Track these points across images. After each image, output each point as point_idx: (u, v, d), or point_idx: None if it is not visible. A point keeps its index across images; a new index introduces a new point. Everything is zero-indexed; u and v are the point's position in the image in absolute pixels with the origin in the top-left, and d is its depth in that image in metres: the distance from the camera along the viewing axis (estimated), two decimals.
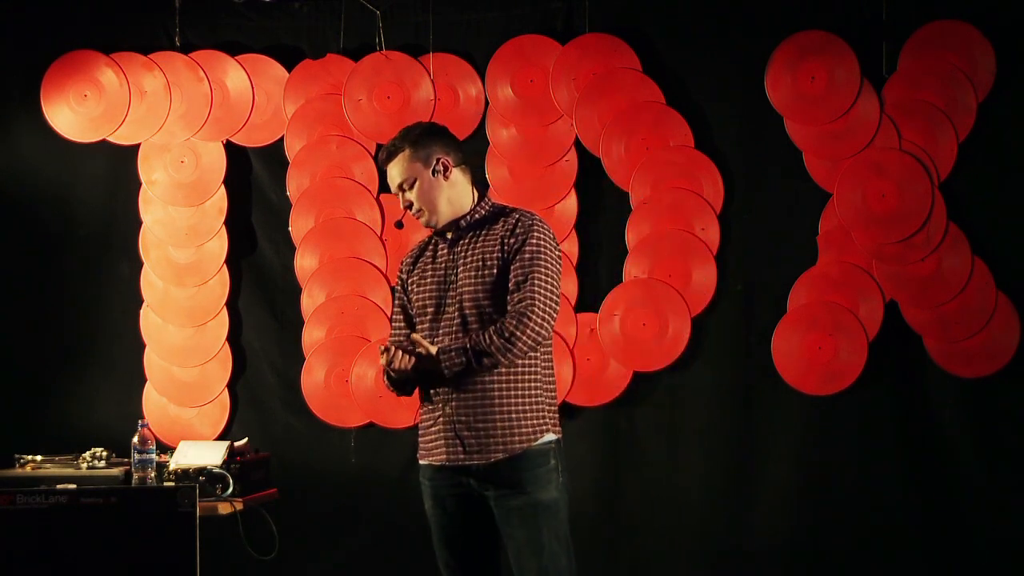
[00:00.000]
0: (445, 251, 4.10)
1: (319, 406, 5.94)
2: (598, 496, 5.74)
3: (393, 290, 4.29)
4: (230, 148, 6.05)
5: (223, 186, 6.02)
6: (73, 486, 4.85)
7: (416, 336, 3.95)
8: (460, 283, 4.01)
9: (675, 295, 5.70)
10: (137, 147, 6.05)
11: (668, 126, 5.75)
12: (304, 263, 5.98)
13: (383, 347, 3.92)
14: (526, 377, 3.99)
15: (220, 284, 6.02)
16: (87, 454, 5.34)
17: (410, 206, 4.08)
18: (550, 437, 4.01)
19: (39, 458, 5.35)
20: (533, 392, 4.00)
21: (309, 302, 5.96)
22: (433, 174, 4.04)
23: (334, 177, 5.97)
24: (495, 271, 3.98)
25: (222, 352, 6.01)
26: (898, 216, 5.56)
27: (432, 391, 4.02)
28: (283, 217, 6.01)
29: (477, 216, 4.08)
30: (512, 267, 3.96)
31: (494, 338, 3.88)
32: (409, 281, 4.15)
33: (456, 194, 4.07)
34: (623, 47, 5.77)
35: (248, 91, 6.00)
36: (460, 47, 5.93)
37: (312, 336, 5.94)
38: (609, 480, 5.72)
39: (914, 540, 5.57)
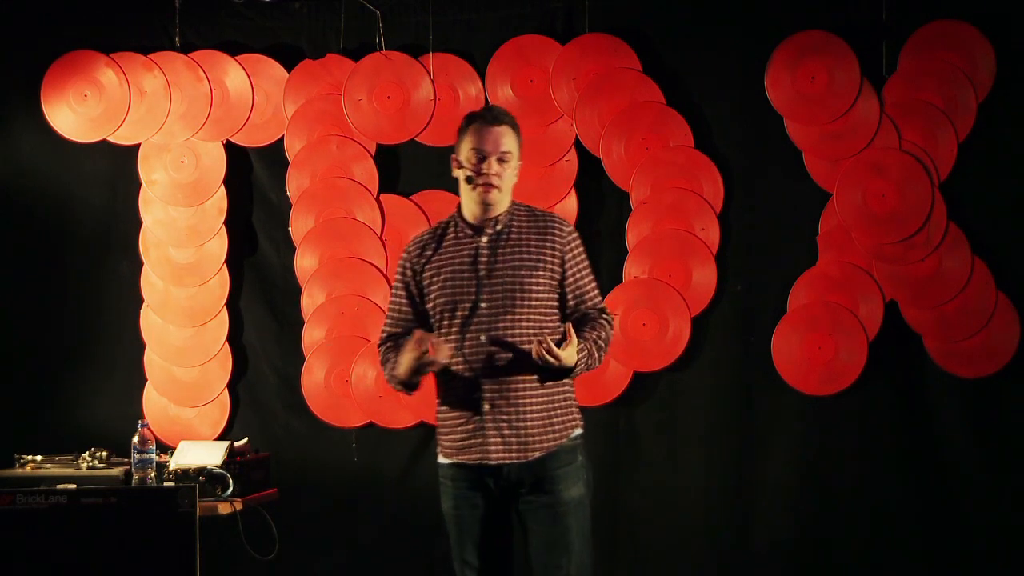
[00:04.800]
0: (473, 246, 4.03)
1: (319, 406, 5.94)
2: (598, 496, 5.70)
3: (399, 285, 4.16)
4: (230, 148, 6.05)
5: (223, 186, 6.02)
6: (73, 486, 4.85)
7: (547, 339, 3.85)
8: (509, 281, 3.97)
9: (675, 295, 5.70)
10: (137, 147, 6.05)
11: (668, 126, 5.75)
12: (304, 263, 5.98)
13: (417, 337, 3.87)
14: (562, 375, 4.01)
15: (220, 284, 6.02)
16: (87, 454, 5.35)
17: (485, 175, 3.98)
18: (578, 432, 4.07)
19: (39, 458, 5.35)
20: (563, 388, 4.04)
21: (309, 302, 5.96)
22: (517, 163, 4.07)
23: (334, 177, 5.97)
24: (548, 272, 4.00)
25: (222, 352, 6.01)
26: (898, 216, 5.56)
27: (466, 389, 3.97)
28: (283, 217, 6.01)
29: (516, 216, 4.08)
30: (574, 275, 4.05)
31: (609, 336, 4.03)
32: (425, 274, 4.08)
33: (510, 190, 4.08)
34: (623, 47, 5.77)
35: (248, 91, 6.00)
36: (460, 47, 5.93)
37: (312, 336, 5.94)
38: (609, 480, 5.72)
39: (914, 540, 5.57)
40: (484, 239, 4.03)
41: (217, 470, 5.09)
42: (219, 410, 6.02)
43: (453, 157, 4.09)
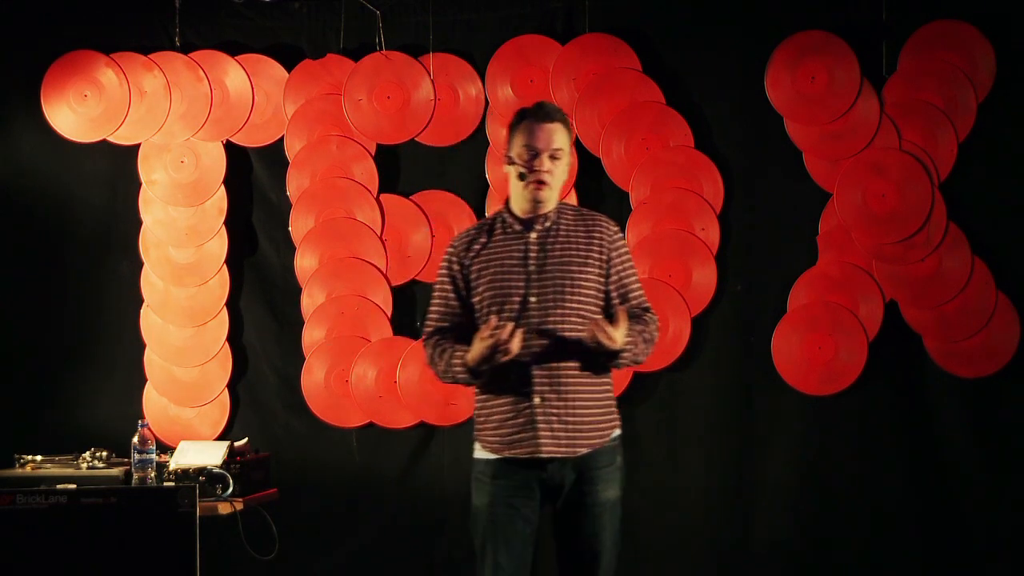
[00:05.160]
0: (523, 242, 4.02)
1: (319, 406, 5.94)
2: None
3: (445, 280, 4.11)
4: (230, 148, 6.04)
5: (223, 186, 6.02)
6: (73, 486, 4.85)
7: (603, 321, 3.87)
8: (560, 276, 3.98)
9: (675, 295, 5.70)
10: (137, 147, 6.05)
11: (668, 126, 5.75)
12: (304, 263, 5.97)
13: (497, 324, 3.84)
14: (605, 371, 4.04)
15: (220, 284, 6.02)
16: (87, 454, 5.34)
17: (537, 172, 3.98)
18: (618, 432, 4.09)
19: (39, 458, 5.35)
20: (608, 386, 4.07)
21: (309, 302, 5.96)
22: (569, 162, 4.08)
23: (334, 177, 5.97)
24: (596, 269, 4.02)
25: (222, 352, 6.01)
26: (898, 216, 5.56)
27: (516, 382, 3.95)
28: (283, 217, 6.01)
29: (564, 214, 4.09)
30: (618, 273, 4.07)
31: (655, 332, 4.03)
32: (472, 268, 4.04)
33: (561, 188, 4.08)
34: (623, 47, 5.77)
35: (248, 91, 6.00)
36: (460, 47, 5.93)
37: (312, 336, 5.94)
38: None
39: (914, 539, 5.57)
40: (534, 235, 4.04)
41: (217, 470, 5.09)
42: (219, 410, 6.01)
43: (503, 153, 4.09)
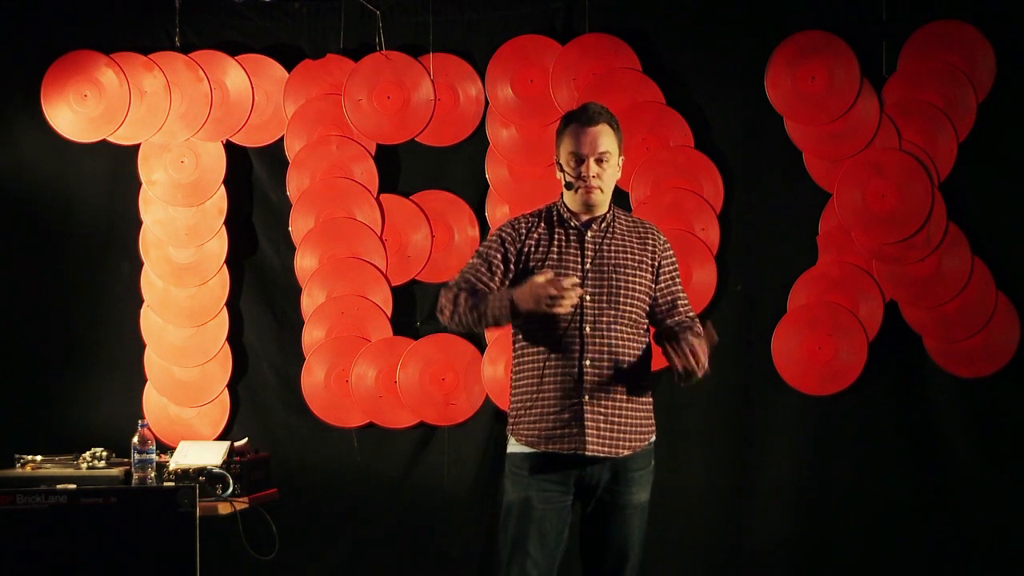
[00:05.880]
0: (581, 238, 4.01)
1: (319, 406, 5.94)
2: None
3: (495, 247, 4.07)
4: (230, 148, 6.05)
5: (223, 186, 6.02)
6: (73, 486, 4.85)
7: (690, 349, 3.89)
8: (614, 277, 3.98)
9: None
10: (137, 147, 6.05)
11: (668, 126, 5.75)
12: (304, 263, 5.97)
13: (553, 275, 3.80)
14: (648, 376, 4.08)
15: (220, 284, 6.02)
16: (87, 454, 5.34)
17: (584, 178, 3.97)
18: (654, 439, 4.12)
19: (39, 458, 5.35)
20: (649, 391, 4.10)
21: (309, 302, 5.96)
22: (619, 162, 4.07)
23: (334, 177, 5.97)
24: (648, 275, 4.05)
25: (222, 352, 6.01)
26: (898, 216, 5.56)
27: (565, 378, 3.94)
28: (283, 217, 6.01)
29: (619, 218, 4.11)
30: (667, 282, 4.10)
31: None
32: (535, 252, 4.00)
33: (612, 189, 4.09)
34: (623, 47, 5.77)
35: (248, 91, 6.00)
36: (460, 47, 5.93)
37: (312, 336, 5.94)
38: None
39: (914, 539, 5.57)
40: (590, 234, 4.05)
41: (217, 470, 5.09)
42: (219, 410, 6.01)
43: (557, 161, 4.08)
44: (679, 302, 4.12)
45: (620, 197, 5.74)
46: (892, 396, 5.61)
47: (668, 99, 5.75)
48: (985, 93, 5.51)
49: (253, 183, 6.08)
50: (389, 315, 5.89)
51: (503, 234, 4.09)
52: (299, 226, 5.98)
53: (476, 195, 5.90)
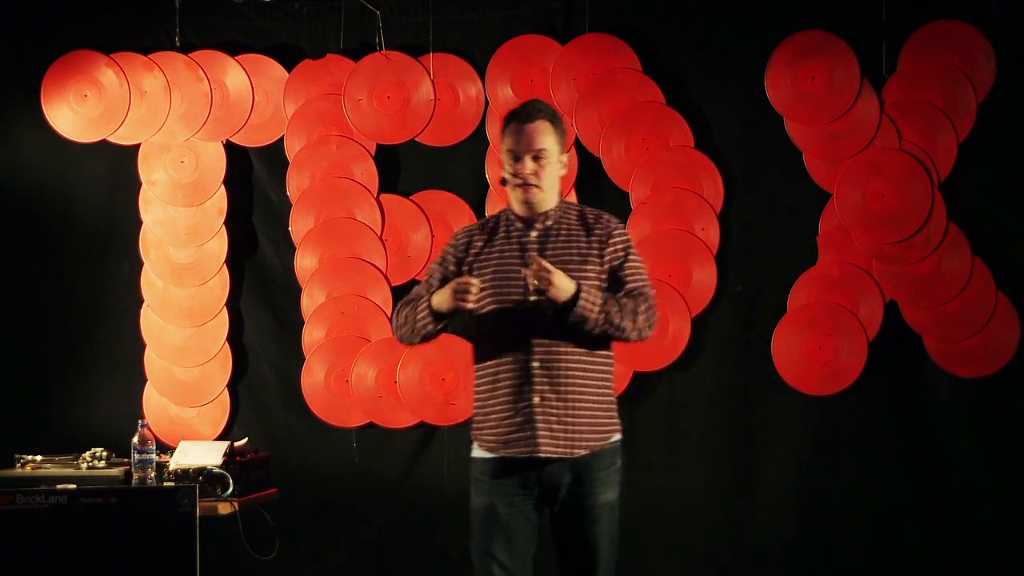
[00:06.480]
0: (523, 240, 3.99)
1: (319, 406, 5.94)
2: None
3: (437, 270, 4.12)
4: (230, 148, 6.04)
5: (223, 186, 6.02)
6: (73, 486, 4.85)
7: (537, 259, 3.83)
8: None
9: (675, 295, 5.69)
10: (137, 147, 6.05)
11: (668, 126, 5.75)
12: (304, 263, 5.97)
13: (468, 280, 3.85)
14: (606, 375, 4.02)
15: (220, 284, 6.02)
16: (87, 454, 5.34)
17: (519, 176, 3.95)
18: (618, 437, 4.05)
19: (39, 458, 5.35)
20: (609, 390, 4.04)
21: (309, 302, 5.96)
22: (559, 158, 4.02)
23: (334, 177, 5.96)
24: (595, 266, 3.97)
25: (222, 352, 6.01)
26: (898, 216, 5.56)
27: (515, 381, 3.93)
28: (283, 217, 6.01)
29: (567, 213, 4.06)
30: (615, 263, 3.99)
31: (645, 307, 3.93)
32: (475, 266, 4.01)
33: (556, 187, 4.04)
34: (623, 47, 5.77)
35: (248, 91, 6.00)
36: (460, 47, 5.93)
37: (312, 336, 5.94)
38: None
39: (913, 539, 5.57)
40: (534, 234, 4.02)
41: (217, 470, 5.09)
42: (219, 410, 6.01)
43: (501, 160, 4.07)
44: (627, 279, 4.00)
45: (620, 197, 5.77)
46: (892, 396, 5.61)
47: (668, 99, 5.75)
48: (985, 93, 5.51)
49: (253, 183, 6.08)
50: (389, 315, 5.89)
51: (444, 255, 4.13)
52: (299, 226, 5.98)
53: (476, 195, 5.90)
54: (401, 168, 6.00)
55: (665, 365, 5.74)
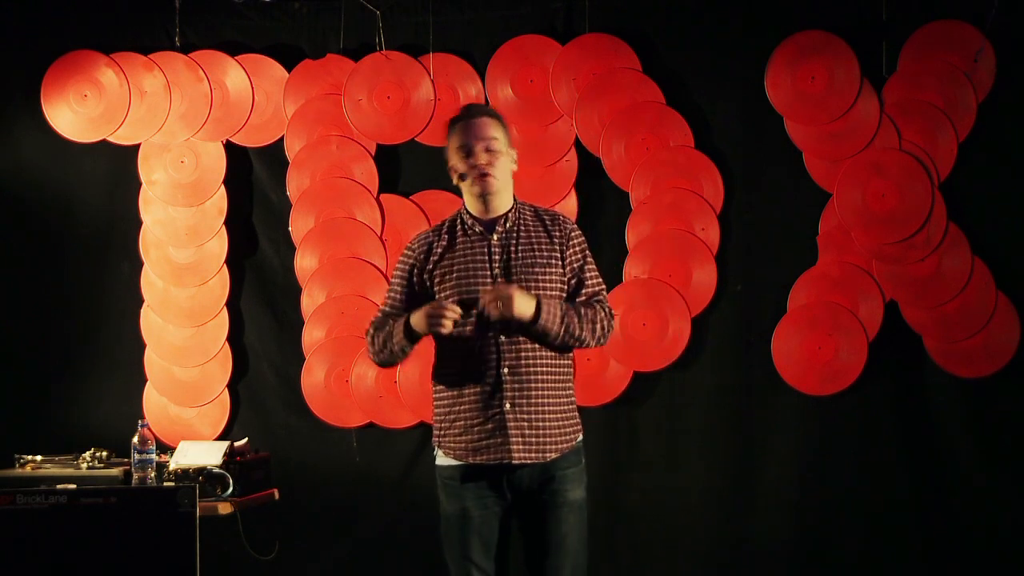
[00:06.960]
0: (485, 244, 4.01)
1: (319, 406, 5.94)
2: (598, 496, 5.72)
3: (397, 280, 4.17)
4: (230, 148, 6.05)
5: (223, 186, 6.02)
6: (73, 486, 4.85)
7: (493, 289, 3.87)
8: (524, 279, 3.96)
9: (675, 295, 5.70)
10: (137, 147, 6.05)
11: (668, 126, 5.75)
12: (304, 263, 5.98)
13: (443, 306, 3.86)
14: (568, 379, 4.05)
15: (220, 284, 6.02)
16: (87, 454, 5.35)
17: (475, 166, 3.99)
18: (581, 438, 4.10)
19: (39, 458, 5.36)
20: (572, 393, 4.08)
21: (309, 302, 5.96)
22: (509, 151, 4.06)
23: (334, 177, 5.97)
24: (558, 267, 4.01)
25: (222, 352, 6.01)
26: (898, 216, 5.57)
27: (484, 388, 3.95)
28: (283, 217, 6.01)
29: (523, 214, 4.08)
30: (574, 266, 4.06)
31: (603, 316, 3.99)
32: (436, 272, 4.03)
33: (510, 184, 4.07)
34: (623, 47, 5.77)
35: (248, 91, 6.00)
36: (460, 47, 5.93)
37: (312, 336, 5.94)
38: (609, 480, 5.72)
39: (913, 539, 5.57)
40: (495, 237, 4.03)
41: (217, 470, 5.09)
42: (219, 410, 6.01)
43: (450, 168, 4.09)
44: (586, 282, 4.07)
45: (620, 197, 5.77)
46: (892, 396, 5.61)
47: (668, 99, 5.75)
48: (985, 93, 5.51)
49: (253, 183, 6.09)
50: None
51: (402, 263, 4.12)
52: (299, 226, 5.98)
53: None
54: (401, 168, 6.00)
55: (665, 365, 5.74)
